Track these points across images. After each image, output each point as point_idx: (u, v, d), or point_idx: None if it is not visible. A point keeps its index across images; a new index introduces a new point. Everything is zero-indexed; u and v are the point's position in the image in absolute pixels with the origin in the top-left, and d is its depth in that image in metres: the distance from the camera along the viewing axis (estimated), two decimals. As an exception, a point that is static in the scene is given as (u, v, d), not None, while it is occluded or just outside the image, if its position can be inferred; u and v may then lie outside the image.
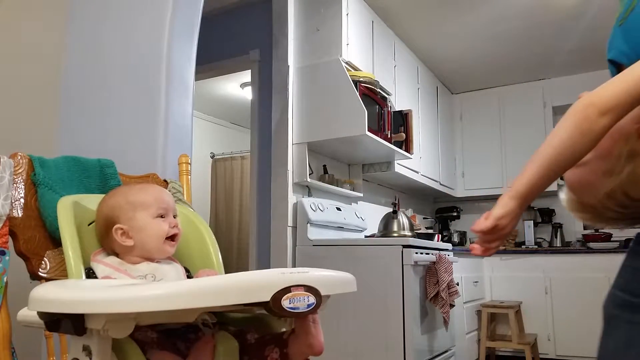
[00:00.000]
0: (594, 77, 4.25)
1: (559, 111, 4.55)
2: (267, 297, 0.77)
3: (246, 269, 3.76)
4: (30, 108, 1.72)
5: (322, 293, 0.82)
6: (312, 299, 0.81)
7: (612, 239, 4.08)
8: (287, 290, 0.78)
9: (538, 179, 0.72)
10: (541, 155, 0.72)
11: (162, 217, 1.07)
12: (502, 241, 0.76)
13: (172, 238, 1.08)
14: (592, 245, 4.08)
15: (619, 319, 0.73)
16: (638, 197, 0.70)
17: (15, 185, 1.11)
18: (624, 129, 0.71)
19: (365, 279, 2.62)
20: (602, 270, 3.80)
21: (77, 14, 1.75)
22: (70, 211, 1.06)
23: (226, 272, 1.18)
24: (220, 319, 1.11)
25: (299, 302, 0.79)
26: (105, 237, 1.07)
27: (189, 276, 1.12)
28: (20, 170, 1.13)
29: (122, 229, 1.04)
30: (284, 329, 1.10)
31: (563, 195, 0.80)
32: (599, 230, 4.28)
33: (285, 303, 0.78)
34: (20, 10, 1.83)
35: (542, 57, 4.30)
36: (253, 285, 0.79)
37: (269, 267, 3.09)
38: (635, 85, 0.67)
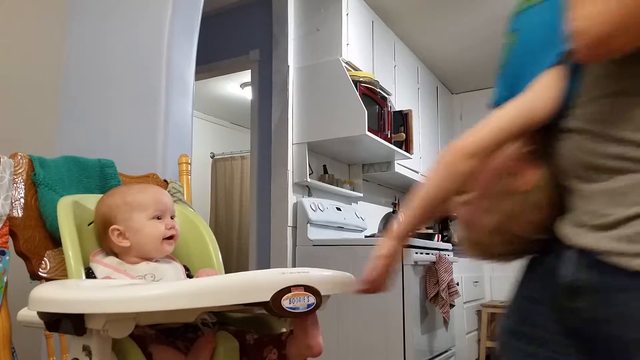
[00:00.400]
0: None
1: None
2: (267, 297, 0.77)
3: (246, 269, 3.77)
4: (31, 108, 1.72)
5: (322, 293, 0.82)
6: (312, 299, 0.81)
7: (612, 239, 4.07)
8: (287, 290, 0.78)
9: (415, 219, 0.82)
10: (418, 198, 0.80)
11: (159, 218, 1.07)
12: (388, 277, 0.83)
13: (169, 238, 1.08)
14: (592, 245, 4.08)
15: (508, 346, 0.78)
16: (519, 233, 0.74)
17: (15, 185, 1.11)
18: (498, 167, 0.76)
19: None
20: (602, 270, 3.79)
21: (77, 14, 1.75)
22: (70, 211, 1.06)
23: (226, 272, 1.18)
24: (220, 319, 1.11)
25: (299, 302, 0.79)
26: (103, 236, 1.07)
27: (189, 275, 1.12)
28: (20, 170, 1.13)
29: (118, 229, 1.04)
30: (283, 329, 1.10)
31: (458, 232, 0.85)
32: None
33: (285, 303, 0.78)
34: (20, 10, 1.83)
35: (542, 57, 4.30)
36: (253, 285, 0.79)
37: (269, 267, 3.09)
38: (498, 129, 0.73)
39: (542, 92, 0.72)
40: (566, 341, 0.70)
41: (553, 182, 0.72)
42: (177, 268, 1.10)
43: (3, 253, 1.07)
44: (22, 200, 1.12)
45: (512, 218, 0.74)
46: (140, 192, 1.09)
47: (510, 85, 0.78)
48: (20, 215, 1.10)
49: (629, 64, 0.62)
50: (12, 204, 1.09)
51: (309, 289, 0.81)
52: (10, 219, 1.08)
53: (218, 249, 1.22)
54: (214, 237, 1.24)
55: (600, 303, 0.64)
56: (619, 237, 0.61)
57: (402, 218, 0.83)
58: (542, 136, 0.76)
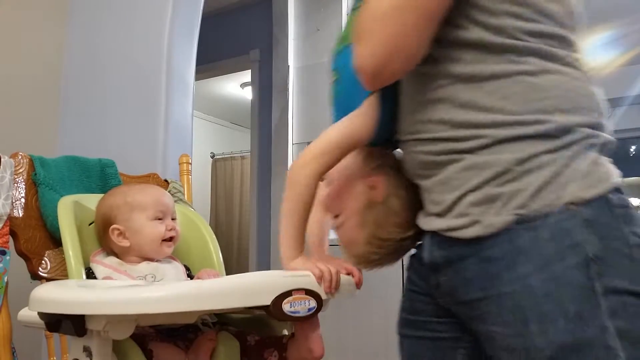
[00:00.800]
0: (593, 77, 4.25)
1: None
2: (267, 301, 0.77)
3: (246, 269, 3.77)
4: (31, 108, 1.72)
5: (323, 297, 0.82)
6: (312, 303, 0.81)
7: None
8: (288, 294, 0.78)
9: (292, 239, 0.87)
10: (283, 215, 0.87)
11: (159, 219, 1.07)
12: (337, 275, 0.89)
13: (169, 240, 1.07)
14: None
15: (404, 337, 0.88)
16: (386, 237, 0.84)
17: (15, 185, 1.11)
18: (357, 187, 0.87)
19: (365, 279, 2.61)
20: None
21: (77, 14, 1.75)
22: (71, 211, 1.06)
23: (226, 273, 1.18)
24: (220, 319, 1.11)
25: (300, 306, 0.79)
26: (104, 236, 1.07)
27: (189, 275, 1.12)
28: (21, 170, 1.13)
29: (118, 229, 1.04)
30: (284, 331, 1.10)
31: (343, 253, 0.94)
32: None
33: (286, 307, 0.78)
34: (20, 10, 1.83)
35: (542, 57, 4.30)
36: (254, 288, 0.78)
37: (269, 268, 3.09)
38: (324, 141, 0.85)
39: (362, 115, 0.84)
40: (441, 319, 0.82)
41: (402, 187, 0.84)
42: (177, 268, 1.10)
43: (3, 253, 1.07)
44: (23, 200, 1.12)
45: (379, 226, 0.84)
46: (141, 192, 1.09)
47: (341, 115, 0.88)
48: (20, 215, 1.10)
49: (416, 84, 0.76)
50: (12, 204, 1.09)
51: (310, 292, 0.80)
52: (10, 218, 1.08)
53: (219, 248, 1.22)
54: (214, 236, 1.24)
55: (452, 273, 0.74)
56: (453, 215, 0.72)
57: (281, 245, 0.88)
58: (385, 150, 0.91)
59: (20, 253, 1.09)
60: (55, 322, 0.80)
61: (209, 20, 2.73)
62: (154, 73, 2.00)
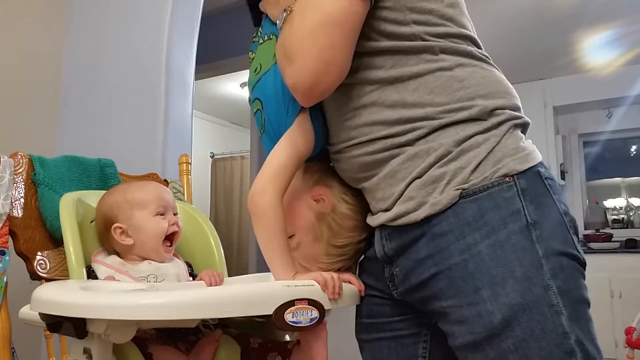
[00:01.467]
0: (594, 77, 4.25)
1: (559, 111, 4.54)
2: (269, 311, 0.76)
3: (246, 269, 3.77)
4: (31, 108, 1.72)
5: (326, 307, 0.81)
6: (315, 313, 0.80)
7: (612, 239, 4.08)
8: (290, 304, 0.77)
9: (280, 262, 0.86)
10: (264, 252, 0.87)
11: (161, 215, 1.06)
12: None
13: (170, 239, 1.07)
14: (592, 245, 4.08)
15: (364, 342, 0.92)
16: (343, 243, 0.88)
17: (15, 185, 1.11)
18: (303, 203, 0.90)
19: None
20: (602, 270, 3.79)
21: (77, 13, 1.75)
22: (73, 208, 1.05)
23: (226, 272, 1.18)
24: (221, 321, 1.10)
25: (302, 316, 0.78)
26: (105, 236, 1.06)
27: (192, 273, 1.12)
28: (20, 170, 1.13)
29: (121, 227, 1.03)
30: (287, 336, 1.09)
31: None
32: (600, 230, 4.28)
33: (288, 317, 0.77)
34: (20, 10, 1.82)
35: (542, 57, 4.30)
36: (256, 298, 0.78)
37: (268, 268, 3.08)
38: (274, 164, 0.87)
39: (298, 132, 0.87)
40: (398, 317, 0.86)
41: (347, 193, 0.88)
42: (179, 267, 1.09)
43: (3, 253, 1.06)
44: (22, 200, 1.11)
45: (334, 234, 0.87)
46: (141, 190, 1.08)
47: (273, 139, 0.91)
48: (20, 215, 1.10)
49: (338, 95, 0.81)
50: (12, 204, 1.09)
51: (312, 302, 0.80)
52: (10, 218, 1.08)
53: (220, 245, 1.23)
54: (216, 233, 1.24)
55: (404, 260, 0.78)
56: (400, 203, 0.76)
57: (273, 272, 0.89)
58: (320, 163, 0.94)
59: (20, 253, 1.09)
60: (56, 324, 0.79)
61: (209, 20, 2.72)
62: (153, 73, 2.00)
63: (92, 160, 1.29)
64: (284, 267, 0.86)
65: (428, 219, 0.73)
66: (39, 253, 1.10)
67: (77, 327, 0.77)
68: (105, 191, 1.13)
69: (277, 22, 0.85)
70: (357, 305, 0.92)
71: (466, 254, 0.71)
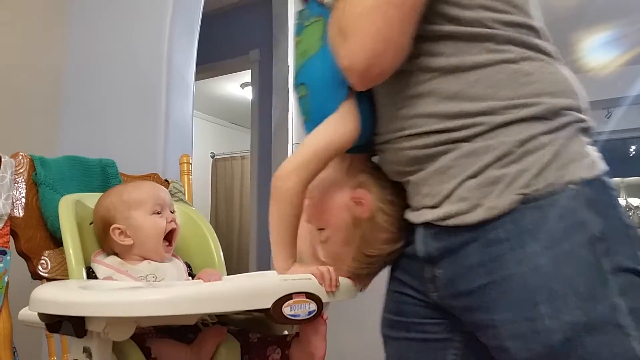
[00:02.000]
0: (593, 77, 4.25)
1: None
2: (267, 304, 0.77)
3: (246, 269, 3.77)
4: (32, 108, 1.72)
5: (324, 300, 0.82)
6: (313, 306, 0.80)
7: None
8: (288, 297, 0.78)
9: (283, 250, 0.85)
10: (271, 236, 0.85)
11: (158, 213, 1.07)
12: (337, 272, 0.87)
13: (169, 238, 1.07)
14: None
15: (389, 338, 0.87)
16: (373, 254, 0.83)
17: (16, 185, 1.12)
18: (341, 201, 0.85)
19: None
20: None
21: (77, 14, 1.75)
22: (72, 210, 1.06)
23: (226, 272, 1.19)
24: (220, 319, 1.11)
25: (300, 309, 0.79)
26: (104, 238, 1.07)
27: (190, 273, 1.12)
28: (21, 170, 1.13)
29: (119, 228, 1.04)
30: (285, 331, 1.10)
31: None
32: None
33: (286, 310, 0.78)
34: (21, 11, 1.83)
35: (542, 57, 4.30)
36: (254, 291, 0.78)
37: (269, 268, 3.09)
38: (307, 149, 0.82)
39: (341, 120, 0.82)
40: (430, 320, 0.80)
41: (388, 201, 0.82)
42: (178, 267, 1.10)
43: (4, 253, 1.07)
44: (23, 200, 1.12)
45: (366, 243, 0.82)
46: (136, 189, 1.09)
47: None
48: (21, 215, 1.10)
49: (393, 82, 0.74)
50: (13, 204, 1.10)
51: (310, 296, 0.80)
52: (11, 218, 1.08)
53: (219, 247, 1.23)
54: (215, 235, 1.24)
55: (450, 264, 0.72)
56: (452, 202, 0.70)
57: (276, 260, 0.86)
58: (365, 160, 0.88)
59: (21, 253, 1.09)
60: (56, 323, 0.79)
61: (209, 20, 2.73)
62: (154, 73, 2.00)
63: (93, 160, 1.30)
64: (284, 256, 0.84)
65: (482, 224, 0.68)
66: (40, 253, 1.10)
67: (76, 326, 0.77)
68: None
69: None
70: (385, 300, 0.88)
71: (524, 266, 0.65)
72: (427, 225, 0.75)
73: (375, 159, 0.89)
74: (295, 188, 0.81)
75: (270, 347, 1.02)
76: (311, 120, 0.89)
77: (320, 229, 0.87)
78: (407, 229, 0.81)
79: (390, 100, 0.78)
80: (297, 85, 0.92)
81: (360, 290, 0.90)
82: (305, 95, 0.90)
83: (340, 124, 0.82)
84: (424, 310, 0.81)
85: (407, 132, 0.75)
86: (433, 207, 0.74)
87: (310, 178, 0.82)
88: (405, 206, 0.82)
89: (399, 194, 0.82)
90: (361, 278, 0.88)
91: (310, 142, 0.83)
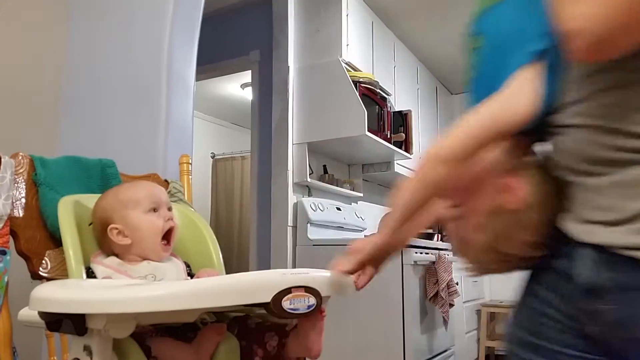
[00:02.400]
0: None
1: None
2: (267, 298, 0.78)
3: (246, 269, 3.78)
4: (32, 108, 1.73)
5: (323, 294, 0.83)
6: (312, 300, 0.81)
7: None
8: (287, 291, 0.79)
9: (398, 223, 0.79)
10: (397, 203, 0.78)
11: (154, 211, 1.07)
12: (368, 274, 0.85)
13: (167, 237, 1.08)
14: (592, 245, 4.08)
15: (519, 358, 0.74)
16: (508, 252, 0.71)
17: (16, 185, 1.12)
18: (490, 183, 0.72)
19: (365, 279, 2.61)
20: (601, 270, 3.79)
21: (77, 14, 1.75)
22: (71, 211, 1.06)
23: (226, 272, 1.19)
24: (220, 318, 1.11)
25: (299, 303, 0.80)
26: (103, 238, 1.07)
27: (190, 272, 1.13)
28: (21, 170, 1.14)
29: (117, 228, 1.04)
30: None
31: (453, 248, 0.83)
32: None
33: (286, 304, 0.78)
34: (21, 11, 1.83)
35: (542, 58, 4.30)
36: (253, 286, 0.79)
37: (269, 267, 3.09)
38: (469, 135, 0.71)
39: (517, 93, 0.69)
40: (581, 353, 0.67)
41: (544, 198, 0.69)
42: (178, 266, 1.10)
43: (4, 253, 1.07)
44: (23, 200, 1.12)
45: (504, 238, 0.71)
46: (131, 189, 1.09)
47: (484, 89, 0.75)
48: (21, 215, 1.11)
49: (630, 58, 0.59)
50: (13, 204, 1.10)
51: (309, 290, 0.81)
52: (11, 218, 1.09)
53: (219, 248, 1.22)
54: (214, 236, 1.24)
55: (623, 303, 0.60)
56: (638, 230, 0.57)
57: (386, 227, 0.81)
58: (530, 143, 0.74)
59: (21, 253, 1.10)
60: (56, 322, 0.80)
61: (209, 21, 2.73)
62: (154, 73, 2.00)
63: (93, 160, 1.30)
64: (388, 227, 0.80)
65: None
66: (40, 253, 1.11)
67: (76, 323, 0.78)
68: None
69: None
70: (518, 312, 0.76)
71: None
72: (599, 248, 0.62)
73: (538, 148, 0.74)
74: (442, 179, 0.72)
75: (268, 333, 1.03)
76: (479, 78, 0.78)
77: (455, 206, 0.77)
78: (559, 240, 0.68)
79: (606, 78, 0.62)
80: (474, 34, 0.79)
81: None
82: (480, 48, 0.77)
83: (513, 99, 0.69)
84: (574, 340, 0.67)
85: (604, 124, 0.62)
86: (609, 224, 0.61)
87: (463, 167, 0.72)
88: (561, 210, 0.68)
89: (558, 195, 0.69)
90: (482, 271, 0.79)
91: (478, 119, 0.71)
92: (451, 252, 3.17)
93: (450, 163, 0.72)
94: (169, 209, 1.10)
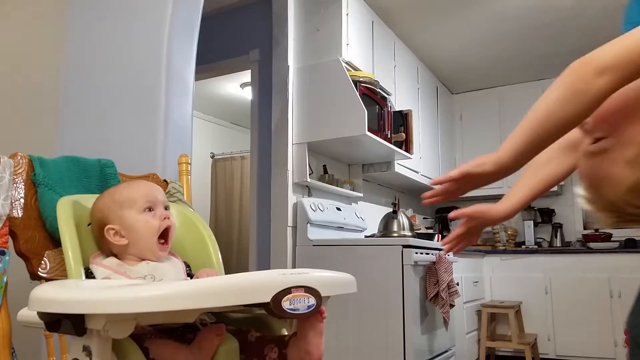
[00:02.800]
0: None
1: (559, 111, 4.54)
2: (267, 298, 0.77)
3: (246, 269, 3.77)
4: (31, 108, 1.72)
5: (322, 294, 0.82)
6: (312, 300, 0.81)
7: (612, 239, 4.07)
8: (287, 291, 0.78)
9: (524, 146, 0.65)
10: (528, 120, 0.64)
11: (150, 210, 1.06)
12: (470, 239, 0.77)
13: (165, 236, 1.07)
14: (592, 245, 4.08)
15: None
16: None
17: (15, 185, 1.11)
18: None
19: (365, 279, 2.61)
20: (602, 270, 3.80)
21: (77, 14, 1.75)
22: (70, 211, 1.06)
23: (226, 272, 1.18)
24: (219, 319, 1.10)
25: (299, 303, 0.79)
26: (101, 239, 1.07)
27: (189, 272, 1.12)
28: (20, 170, 1.13)
29: (113, 228, 1.04)
30: (284, 330, 1.10)
31: (580, 191, 0.69)
32: (599, 230, 4.28)
33: (286, 304, 0.78)
34: (20, 10, 1.83)
35: (542, 57, 4.30)
36: (253, 286, 0.79)
37: (269, 268, 3.09)
38: (635, 44, 0.60)
39: None
40: None
41: None
42: (177, 266, 1.09)
43: (3, 253, 1.07)
44: (22, 200, 1.12)
45: None
46: (127, 188, 1.09)
47: None
48: (20, 215, 1.10)
49: None
50: (11, 204, 1.09)
51: (309, 290, 0.81)
52: (10, 219, 1.08)
53: (218, 248, 1.22)
54: (213, 237, 1.24)
55: None
56: None
57: (507, 145, 0.67)
58: None
59: (20, 253, 1.09)
60: (55, 322, 0.79)
61: (209, 20, 2.73)
62: (153, 73, 2.00)
63: (92, 160, 1.30)
64: (508, 144, 0.67)
65: None
66: (39, 253, 1.10)
67: (75, 324, 0.77)
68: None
69: None
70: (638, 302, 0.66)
71: None
72: None
73: None
74: (600, 94, 0.60)
75: (267, 346, 1.02)
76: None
77: (597, 138, 0.65)
78: None
79: None
80: None
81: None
82: None
83: None
84: None
85: None
86: None
87: (625, 83, 0.60)
88: None
89: None
90: (622, 220, 0.67)
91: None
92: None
93: (611, 73, 0.60)
94: (166, 208, 1.10)
